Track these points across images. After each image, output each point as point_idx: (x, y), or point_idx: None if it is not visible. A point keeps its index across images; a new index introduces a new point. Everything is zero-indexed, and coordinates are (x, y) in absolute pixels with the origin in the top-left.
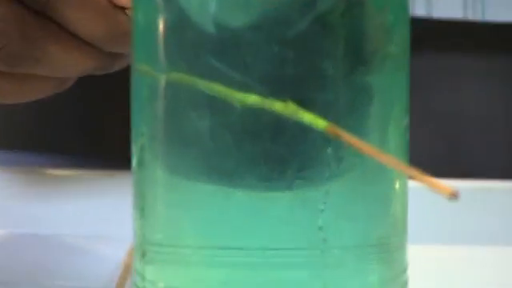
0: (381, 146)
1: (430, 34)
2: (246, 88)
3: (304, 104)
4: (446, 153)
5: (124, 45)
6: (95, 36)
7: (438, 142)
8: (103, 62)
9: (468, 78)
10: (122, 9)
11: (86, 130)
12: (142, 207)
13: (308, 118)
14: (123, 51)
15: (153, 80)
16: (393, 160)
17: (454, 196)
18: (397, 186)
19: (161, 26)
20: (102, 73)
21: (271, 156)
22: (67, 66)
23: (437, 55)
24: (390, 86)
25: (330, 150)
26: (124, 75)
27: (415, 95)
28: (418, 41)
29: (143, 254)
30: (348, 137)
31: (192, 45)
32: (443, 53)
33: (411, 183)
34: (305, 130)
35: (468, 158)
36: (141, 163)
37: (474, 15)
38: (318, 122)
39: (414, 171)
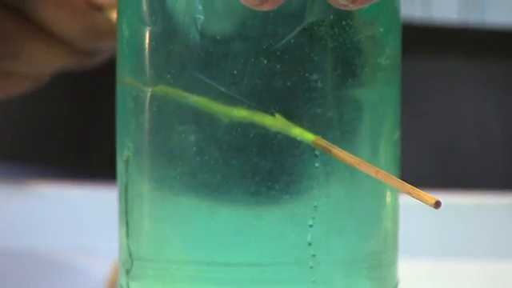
0: (372, 160)
1: (424, 40)
2: (233, 101)
3: (293, 117)
4: (440, 162)
5: (99, 42)
6: (71, 34)
7: (431, 151)
8: (79, 59)
9: (463, 85)
10: (98, 8)
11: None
12: (126, 222)
13: (297, 131)
14: (98, 49)
15: (138, 93)
16: (381, 173)
17: (436, 205)
18: (387, 200)
19: (146, 38)
20: (77, 69)
21: (258, 170)
22: (44, 62)
23: (431, 61)
24: (380, 98)
25: (318, 165)
26: (111, 88)
27: (408, 102)
28: (412, 46)
29: (128, 270)
30: (337, 150)
31: (178, 57)
32: (437, 59)
33: (402, 198)
34: (292, 144)
35: (463, 167)
36: (126, 177)
37: (472, 17)
38: (307, 136)
39: (401, 183)
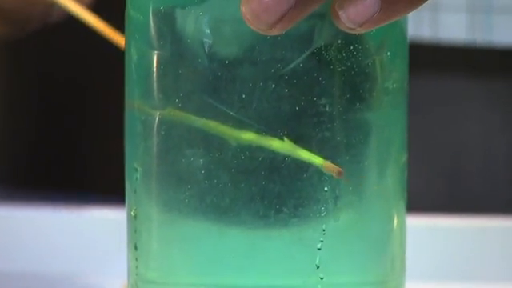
0: (379, 184)
1: (432, 60)
2: (241, 125)
3: (301, 141)
4: (445, 186)
5: (31, 10)
6: (4, 3)
7: (435, 174)
8: (12, 28)
9: (470, 106)
10: None
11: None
12: (135, 244)
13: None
14: (31, 16)
15: (146, 116)
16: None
17: (339, 174)
18: (395, 224)
19: (154, 62)
20: (12, 38)
21: (267, 194)
22: None
23: (438, 82)
24: (388, 122)
25: (326, 189)
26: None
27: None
28: (419, 66)
29: None
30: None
31: (186, 81)
32: (445, 79)
33: (409, 221)
34: (301, 167)
35: (468, 191)
36: (134, 200)
37: (479, 37)
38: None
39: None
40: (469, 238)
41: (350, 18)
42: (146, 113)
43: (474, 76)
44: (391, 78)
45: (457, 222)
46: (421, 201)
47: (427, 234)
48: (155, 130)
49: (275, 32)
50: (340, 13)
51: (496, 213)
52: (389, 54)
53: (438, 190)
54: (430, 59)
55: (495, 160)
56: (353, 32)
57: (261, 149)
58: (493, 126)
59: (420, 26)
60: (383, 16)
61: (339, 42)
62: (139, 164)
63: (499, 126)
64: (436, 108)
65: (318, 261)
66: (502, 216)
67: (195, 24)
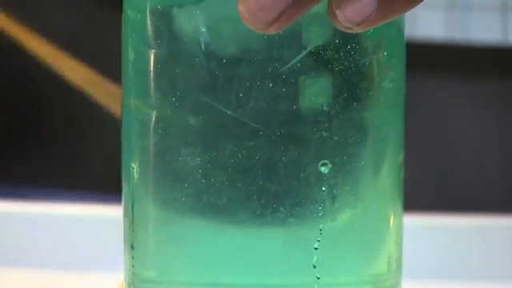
0: (375, 183)
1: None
2: (238, 124)
3: (298, 140)
4: (437, 185)
5: None
6: None
7: (428, 174)
8: None
9: (459, 106)
10: None
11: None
12: (131, 243)
13: None
14: None
15: (143, 115)
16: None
17: None
18: (391, 223)
19: (151, 61)
20: None
21: (264, 193)
22: None
23: (428, 80)
24: (384, 122)
25: (323, 188)
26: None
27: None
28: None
29: None
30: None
31: (183, 80)
32: (433, 78)
33: (406, 220)
34: (299, 167)
35: (460, 190)
36: (131, 199)
37: (458, 35)
38: None
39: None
40: (462, 237)
41: (347, 18)
42: (143, 112)
43: (465, 75)
44: (388, 77)
45: (450, 221)
46: (413, 200)
47: (421, 233)
48: (152, 128)
49: (272, 31)
50: (337, 12)
51: (489, 211)
52: (386, 53)
53: (430, 189)
54: (418, 58)
55: (487, 159)
56: (350, 31)
57: (258, 148)
58: (484, 124)
59: None
60: (380, 15)
61: (336, 41)
62: (136, 163)
63: (491, 125)
64: (426, 107)
65: (314, 260)
66: (495, 215)
67: (192, 23)
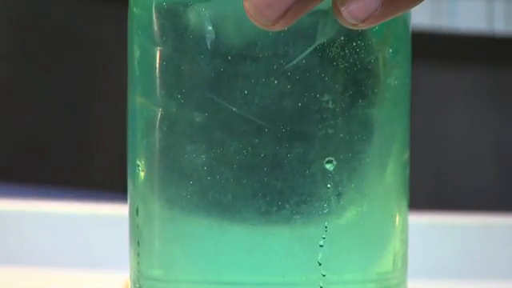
0: (381, 180)
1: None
2: (244, 121)
3: (303, 138)
4: (430, 182)
5: None
6: None
7: (421, 170)
8: None
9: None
10: None
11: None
12: (137, 241)
13: None
14: None
15: (149, 112)
16: None
17: None
18: (397, 221)
19: (157, 58)
20: None
21: (269, 190)
22: None
23: (419, 75)
24: (390, 119)
25: (329, 185)
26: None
27: None
28: None
29: None
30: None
31: (188, 77)
32: (425, 71)
33: (411, 219)
34: (304, 164)
35: (453, 186)
36: (136, 196)
37: (444, 23)
38: None
39: None
40: (459, 234)
41: (351, 14)
42: (149, 109)
43: (459, 66)
44: (393, 74)
45: (445, 219)
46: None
47: (426, 233)
48: (157, 126)
49: (278, 27)
50: (342, 9)
51: (481, 208)
52: (391, 50)
53: (423, 185)
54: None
55: (481, 154)
56: (355, 28)
57: (263, 145)
58: (474, 113)
59: None
60: (385, 12)
61: (342, 38)
62: (141, 160)
63: (485, 117)
64: (418, 99)
65: (320, 258)
66: (491, 213)
67: (198, 20)
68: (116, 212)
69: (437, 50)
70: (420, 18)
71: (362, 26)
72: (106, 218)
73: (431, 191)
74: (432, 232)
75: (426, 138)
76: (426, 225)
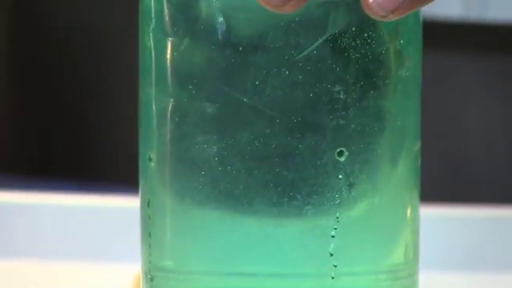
0: (392, 171)
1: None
2: (255, 112)
3: (314, 128)
4: (444, 173)
5: None
6: None
7: (435, 161)
8: None
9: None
10: None
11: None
12: (148, 233)
13: None
14: None
15: (160, 103)
16: None
17: None
18: (408, 212)
19: (168, 49)
20: None
21: (281, 181)
22: None
23: (432, 59)
24: (401, 110)
25: (340, 176)
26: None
27: None
28: None
29: (150, 280)
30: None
31: (200, 68)
32: (438, 57)
33: (423, 211)
34: (315, 155)
35: (468, 177)
36: (148, 188)
37: (474, 14)
38: None
39: None
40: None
41: (381, 6)
42: (160, 100)
43: (470, 51)
44: (405, 65)
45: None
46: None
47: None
48: (169, 117)
49: (287, 10)
50: (371, 1)
51: (496, 200)
52: (402, 41)
53: (437, 176)
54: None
55: (496, 144)
56: (385, 20)
57: (274, 135)
58: (493, 106)
59: None
60: (413, 2)
61: (353, 29)
62: (153, 151)
63: (499, 107)
64: (431, 88)
65: (331, 248)
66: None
67: (209, 11)
68: (126, 203)
69: (468, 40)
70: (450, 7)
71: (391, 18)
72: (116, 209)
73: (443, 182)
74: (444, 224)
75: (443, 131)
76: (438, 216)
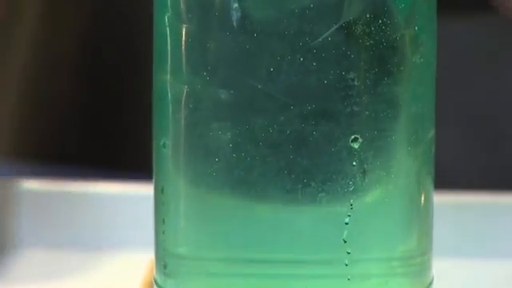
0: (406, 158)
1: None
2: (269, 98)
3: (328, 115)
4: (481, 157)
5: None
6: None
7: (472, 145)
8: None
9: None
10: None
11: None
12: (162, 219)
13: None
14: None
15: (175, 90)
16: None
17: None
18: (422, 199)
19: (183, 35)
20: None
21: (295, 168)
22: None
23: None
24: (415, 97)
25: (354, 163)
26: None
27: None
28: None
29: (164, 267)
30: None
31: (214, 54)
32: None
33: (437, 198)
34: (330, 142)
35: (507, 161)
36: (162, 175)
37: None
38: None
39: None
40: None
41: None
42: (174, 86)
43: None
44: (419, 52)
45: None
46: (452, 172)
47: (453, 211)
48: (183, 103)
49: None
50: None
51: None
52: (417, 28)
53: (474, 159)
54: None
55: None
56: None
57: (289, 122)
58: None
59: None
60: None
61: (368, 16)
62: (167, 138)
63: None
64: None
65: (345, 235)
66: None
67: None
68: (140, 190)
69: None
70: None
71: None
72: (130, 196)
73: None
74: (458, 211)
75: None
76: (454, 203)
